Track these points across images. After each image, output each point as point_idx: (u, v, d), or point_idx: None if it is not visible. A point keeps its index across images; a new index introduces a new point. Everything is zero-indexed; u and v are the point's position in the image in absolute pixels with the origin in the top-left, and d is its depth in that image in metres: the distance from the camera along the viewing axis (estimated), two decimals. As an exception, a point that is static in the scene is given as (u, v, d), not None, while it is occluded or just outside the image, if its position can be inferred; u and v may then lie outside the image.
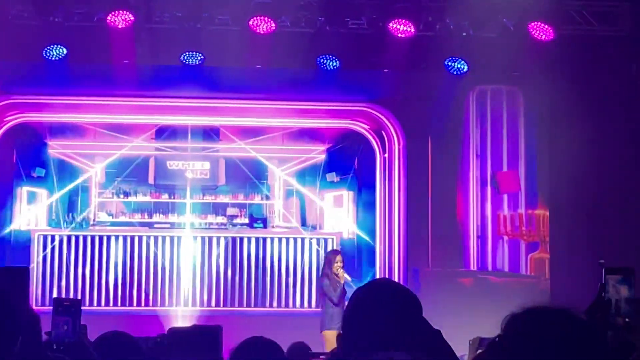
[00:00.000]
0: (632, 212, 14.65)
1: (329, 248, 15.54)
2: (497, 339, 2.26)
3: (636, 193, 14.54)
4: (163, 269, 15.86)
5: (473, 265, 15.83)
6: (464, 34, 14.50)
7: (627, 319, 4.04)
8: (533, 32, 14.20)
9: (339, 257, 13.00)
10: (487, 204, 15.94)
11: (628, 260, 13.05)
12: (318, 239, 16.21)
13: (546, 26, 14.19)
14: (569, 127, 14.49)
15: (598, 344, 2.16)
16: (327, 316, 12.67)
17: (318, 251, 16.07)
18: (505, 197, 15.96)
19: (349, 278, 13.01)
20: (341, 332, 3.27)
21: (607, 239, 14.39)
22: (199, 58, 14.54)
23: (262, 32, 14.01)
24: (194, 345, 4.95)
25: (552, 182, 15.44)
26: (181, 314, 15.40)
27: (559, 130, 15.01)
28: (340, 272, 12.81)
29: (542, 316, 2.21)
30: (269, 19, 13.93)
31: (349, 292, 11.06)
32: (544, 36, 14.22)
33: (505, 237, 15.89)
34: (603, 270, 4.19)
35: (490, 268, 15.80)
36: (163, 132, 16.46)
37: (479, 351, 7.00)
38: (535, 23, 14.18)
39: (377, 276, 15.48)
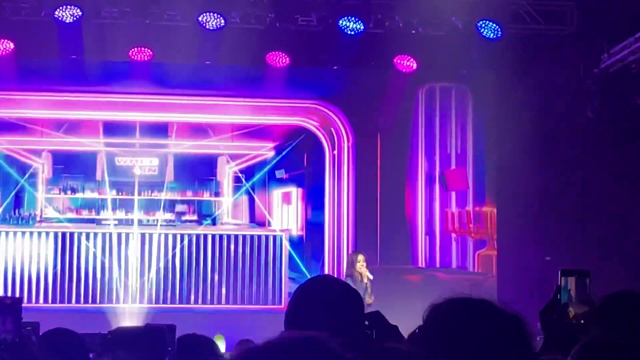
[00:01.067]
0: (579, 209, 14.78)
1: (278, 245, 15.56)
2: (417, 330, 2.26)
3: (583, 190, 14.68)
4: (111, 265, 15.74)
5: (421, 262, 15.89)
6: (413, 31, 14.55)
7: (582, 320, 4.07)
8: (481, 31, 14.29)
9: (360, 257, 13.19)
10: (435, 201, 16.01)
11: (574, 258, 13.16)
12: (267, 236, 16.17)
13: (494, 25, 14.28)
14: (517, 125, 14.59)
15: (519, 333, 2.17)
16: None
17: (267, 248, 16.05)
18: (454, 194, 16.04)
19: (370, 277, 13.08)
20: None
21: (554, 236, 14.52)
22: (147, 54, 14.46)
23: (211, 29, 13.97)
24: (140, 344, 4.91)
25: (500, 180, 15.54)
26: (129, 311, 15.31)
27: (506, 128, 15.10)
28: (364, 270, 12.99)
29: (462, 306, 2.21)
30: (219, 15, 13.89)
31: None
32: (492, 35, 14.31)
33: (453, 235, 15.97)
34: (559, 272, 4.22)
35: (438, 265, 15.87)
36: (111, 129, 16.34)
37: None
38: (484, 21, 14.27)
39: (326, 273, 15.48)
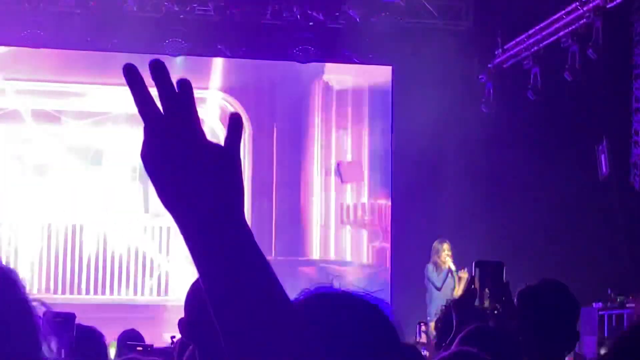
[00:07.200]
0: (473, 201, 14.95)
1: (170, 236, 15.47)
2: None
3: (477, 183, 14.85)
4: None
5: (316, 255, 15.92)
6: (311, 23, 14.57)
7: (495, 311, 4.16)
8: (378, 24, 14.38)
9: (446, 245, 13.44)
10: (330, 193, 16.05)
11: (470, 251, 13.17)
12: (161, 228, 16.03)
13: (391, 18, 14.38)
14: (412, 118, 14.72)
15: (382, 322, 2.17)
16: (429, 300, 13.30)
17: (160, 239, 15.90)
18: (349, 186, 16.10)
19: (453, 267, 13.30)
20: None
21: (449, 229, 14.66)
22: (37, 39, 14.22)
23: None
24: None
25: (395, 172, 15.66)
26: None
27: (402, 121, 15.23)
28: (448, 259, 13.26)
29: (326, 299, 2.20)
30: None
31: None
32: (388, 28, 14.40)
33: (348, 227, 16.03)
34: (473, 263, 4.29)
35: (333, 257, 15.92)
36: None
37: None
38: (381, 15, 14.36)
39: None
